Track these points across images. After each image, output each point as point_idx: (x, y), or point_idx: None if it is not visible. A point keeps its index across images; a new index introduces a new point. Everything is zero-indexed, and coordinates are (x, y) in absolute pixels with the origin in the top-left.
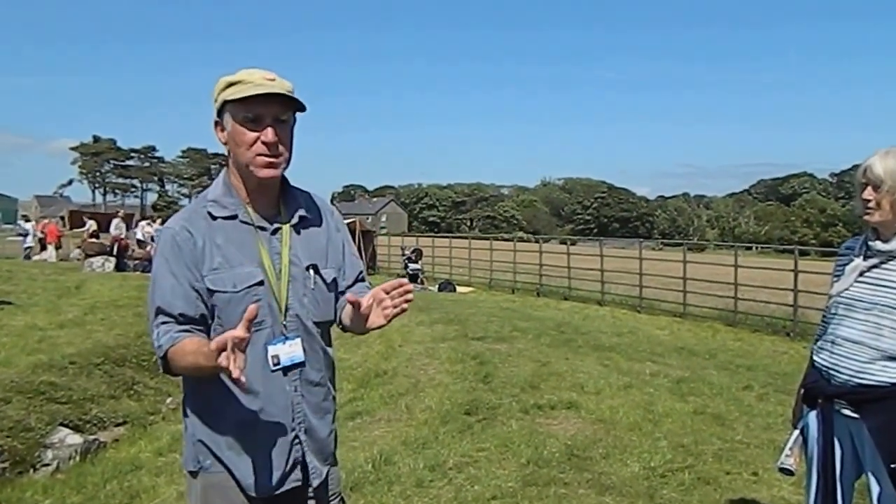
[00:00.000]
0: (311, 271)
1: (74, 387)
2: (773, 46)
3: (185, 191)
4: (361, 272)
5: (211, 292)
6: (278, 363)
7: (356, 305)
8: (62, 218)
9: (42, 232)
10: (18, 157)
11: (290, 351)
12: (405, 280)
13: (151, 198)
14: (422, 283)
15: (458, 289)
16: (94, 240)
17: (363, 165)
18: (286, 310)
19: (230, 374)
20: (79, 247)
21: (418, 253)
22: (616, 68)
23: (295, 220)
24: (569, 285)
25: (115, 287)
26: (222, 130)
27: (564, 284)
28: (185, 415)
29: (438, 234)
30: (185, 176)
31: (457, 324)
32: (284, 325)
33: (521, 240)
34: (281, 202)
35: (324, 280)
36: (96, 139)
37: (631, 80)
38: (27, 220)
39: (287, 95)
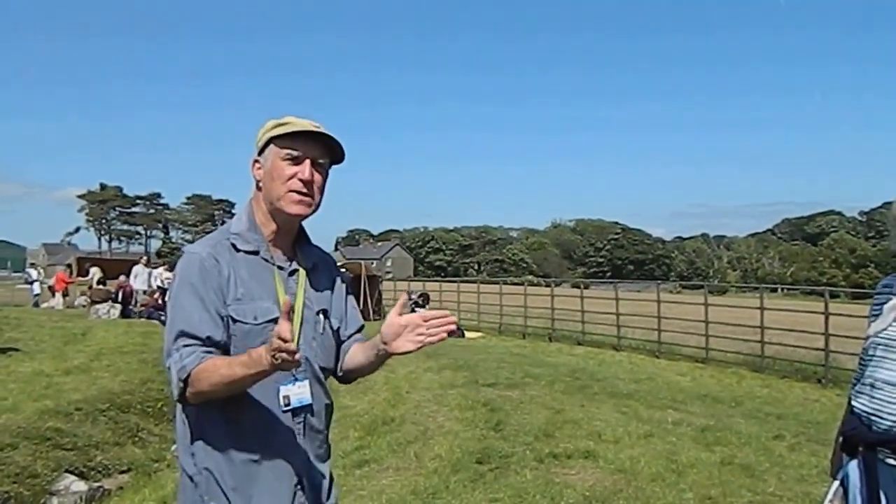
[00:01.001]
0: (322, 316)
1: (80, 433)
2: (794, 82)
3: (188, 237)
4: (362, 325)
5: (233, 321)
6: (289, 404)
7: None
8: (69, 266)
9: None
10: (27, 205)
11: (299, 392)
12: (448, 312)
13: (155, 244)
14: None
15: (467, 334)
16: (100, 286)
17: (367, 209)
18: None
19: (292, 353)
20: (84, 294)
21: (425, 297)
22: (625, 107)
23: (310, 265)
24: (582, 330)
25: (121, 334)
26: (259, 168)
27: (578, 329)
28: (190, 455)
29: (445, 279)
30: (190, 222)
31: (466, 370)
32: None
33: (532, 284)
34: (297, 248)
35: (331, 327)
36: (103, 187)
37: (641, 118)
38: (34, 268)
39: (330, 139)
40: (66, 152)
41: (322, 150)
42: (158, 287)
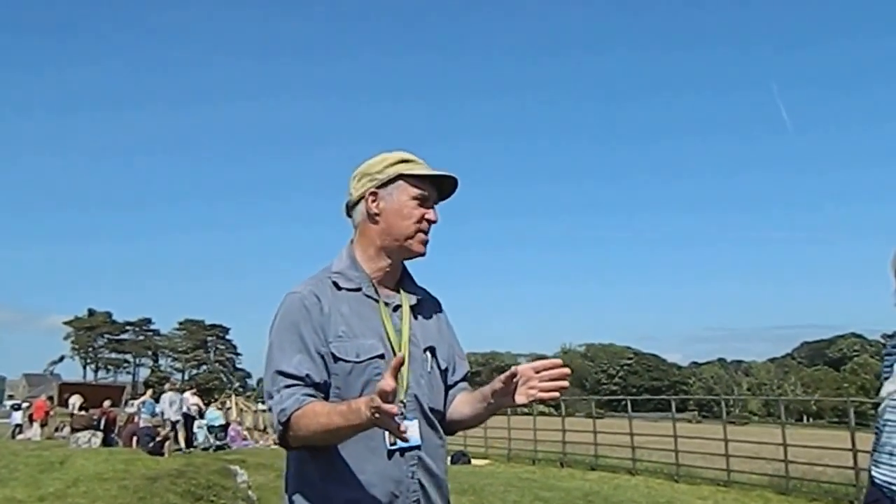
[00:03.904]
0: (429, 354)
1: None
2: (805, 198)
3: (178, 365)
4: (468, 372)
5: (335, 359)
6: (395, 442)
7: (507, 380)
8: (50, 398)
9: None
10: (10, 333)
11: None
12: (560, 361)
13: (144, 373)
14: None
15: (473, 461)
16: (82, 413)
17: None
18: (406, 388)
19: (395, 426)
20: (65, 424)
21: None
22: (631, 227)
23: (414, 301)
24: (595, 453)
25: (101, 461)
26: (381, 202)
27: (591, 453)
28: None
29: None
30: (180, 349)
31: (471, 494)
32: (403, 404)
33: (542, 413)
34: (401, 285)
35: (438, 366)
36: (91, 312)
37: (650, 236)
38: (20, 401)
39: (454, 181)
40: (54, 277)
41: (440, 191)
42: (186, 415)
